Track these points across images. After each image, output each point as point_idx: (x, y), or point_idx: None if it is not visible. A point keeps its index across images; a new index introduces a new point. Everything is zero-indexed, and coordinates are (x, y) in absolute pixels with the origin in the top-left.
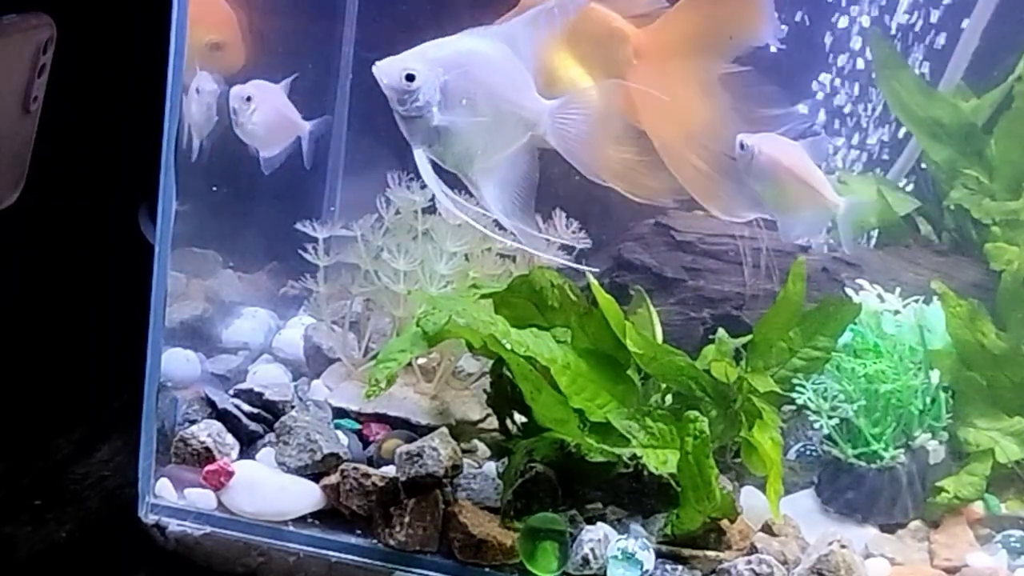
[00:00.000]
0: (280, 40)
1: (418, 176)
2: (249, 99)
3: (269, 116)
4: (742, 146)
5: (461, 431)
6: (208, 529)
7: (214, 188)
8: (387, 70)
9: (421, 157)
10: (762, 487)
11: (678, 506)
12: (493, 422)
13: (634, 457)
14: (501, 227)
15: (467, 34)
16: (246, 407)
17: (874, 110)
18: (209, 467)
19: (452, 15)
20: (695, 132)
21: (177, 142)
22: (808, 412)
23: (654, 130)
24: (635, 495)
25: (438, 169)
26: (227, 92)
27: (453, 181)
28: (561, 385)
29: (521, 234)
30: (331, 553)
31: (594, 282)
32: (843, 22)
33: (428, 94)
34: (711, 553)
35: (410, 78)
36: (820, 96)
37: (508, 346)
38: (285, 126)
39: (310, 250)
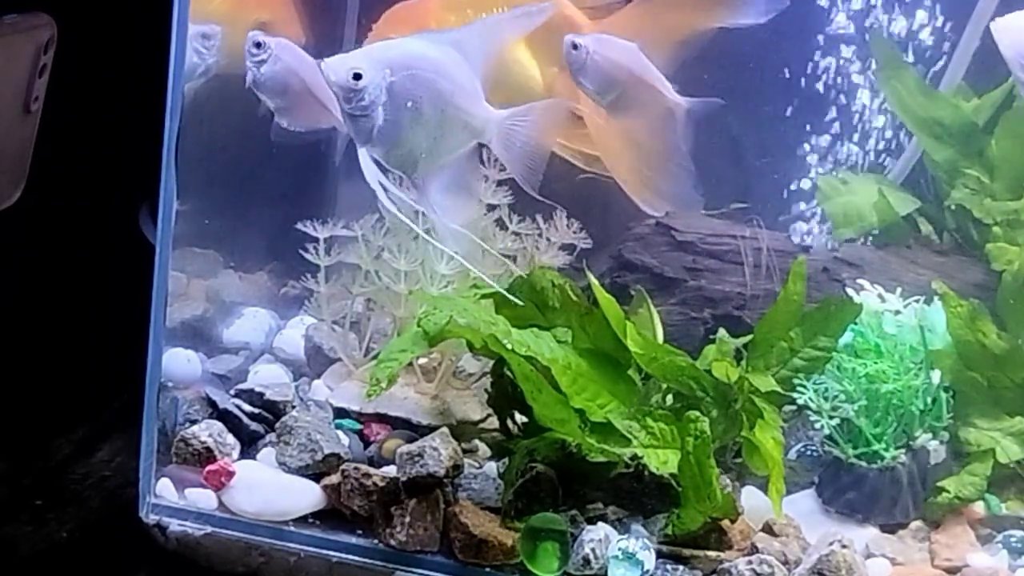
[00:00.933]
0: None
1: None
2: (259, 45)
3: (283, 76)
4: (574, 46)
5: (462, 431)
6: (209, 529)
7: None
8: (335, 68)
9: (364, 156)
10: (763, 487)
11: (679, 506)
12: (494, 422)
13: (635, 457)
14: (503, 227)
15: (418, 36)
16: (247, 407)
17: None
18: (210, 467)
19: None
20: (634, 127)
21: (178, 142)
22: (809, 412)
23: (593, 124)
24: (636, 495)
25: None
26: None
27: None
28: (562, 385)
29: (460, 238)
30: (332, 553)
31: (595, 282)
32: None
33: (374, 94)
34: (712, 553)
35: (357, 76)
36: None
37: (509, 346)
38: (308, 101)
39: (311, 250)
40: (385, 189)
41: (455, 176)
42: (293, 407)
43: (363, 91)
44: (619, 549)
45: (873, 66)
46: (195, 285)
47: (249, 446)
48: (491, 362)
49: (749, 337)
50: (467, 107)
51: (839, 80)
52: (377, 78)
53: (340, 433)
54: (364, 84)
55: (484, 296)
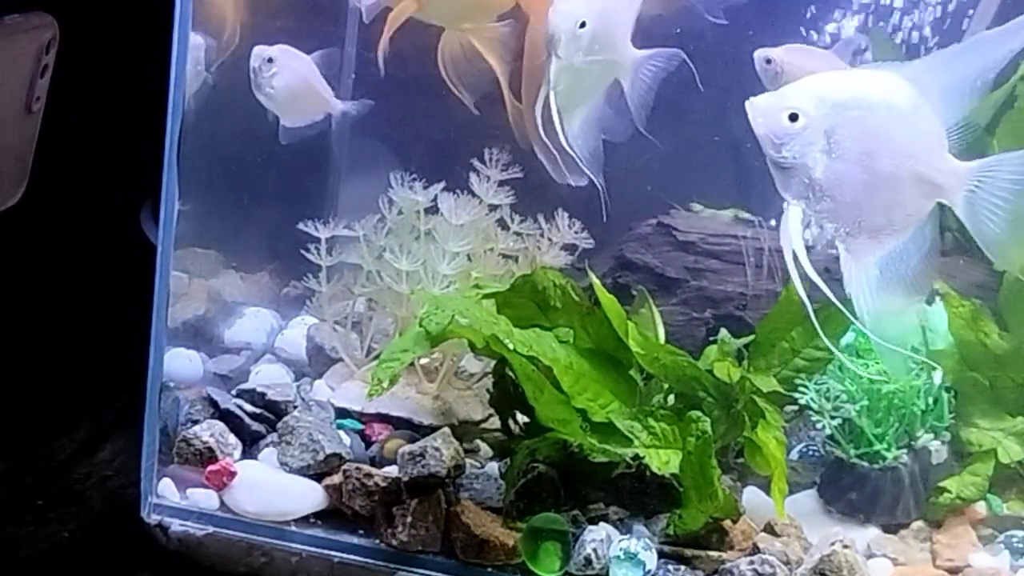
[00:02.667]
0: (283, 40)
1: (420, 176)
2: (271, 60)
3: (292, 83)
4: (767, 60)
5: (463, 431)
6: (210, 529)
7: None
8: (766, 109)
9: (795, 213)
10: (764, 487)
11: (681, 506)
12: (495, 422)
13: (636, 457)
14: (505, 227)
15: (866, 70)
16: (248, 407)
17: None
18: (211, 467)
19: None
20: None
21: (180, 142)
22: (810, 412)
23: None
24: (638, 495)
25: None
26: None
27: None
28: (563, 385)
29: (887, 353)
30: (333, 553)
31: (597, 282)
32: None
33: (811, 139)
34: (714, 553)
35: (793, 118)
36: None
37: (511, 346)
38: (311, 98)
39: (312, 250)
40: (797, 261)
41: (903, 250)
42: (295, 407)
43: (798, 135)
44: (621, 549)
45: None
46: (197, 285)
47: (251, 446)
48: (493, 362)
49: (751, 337)
50: (927, 159)
51: None
52: (817, 119)
53: (342, 433)
54: (801, 127)
55: (486, 296)
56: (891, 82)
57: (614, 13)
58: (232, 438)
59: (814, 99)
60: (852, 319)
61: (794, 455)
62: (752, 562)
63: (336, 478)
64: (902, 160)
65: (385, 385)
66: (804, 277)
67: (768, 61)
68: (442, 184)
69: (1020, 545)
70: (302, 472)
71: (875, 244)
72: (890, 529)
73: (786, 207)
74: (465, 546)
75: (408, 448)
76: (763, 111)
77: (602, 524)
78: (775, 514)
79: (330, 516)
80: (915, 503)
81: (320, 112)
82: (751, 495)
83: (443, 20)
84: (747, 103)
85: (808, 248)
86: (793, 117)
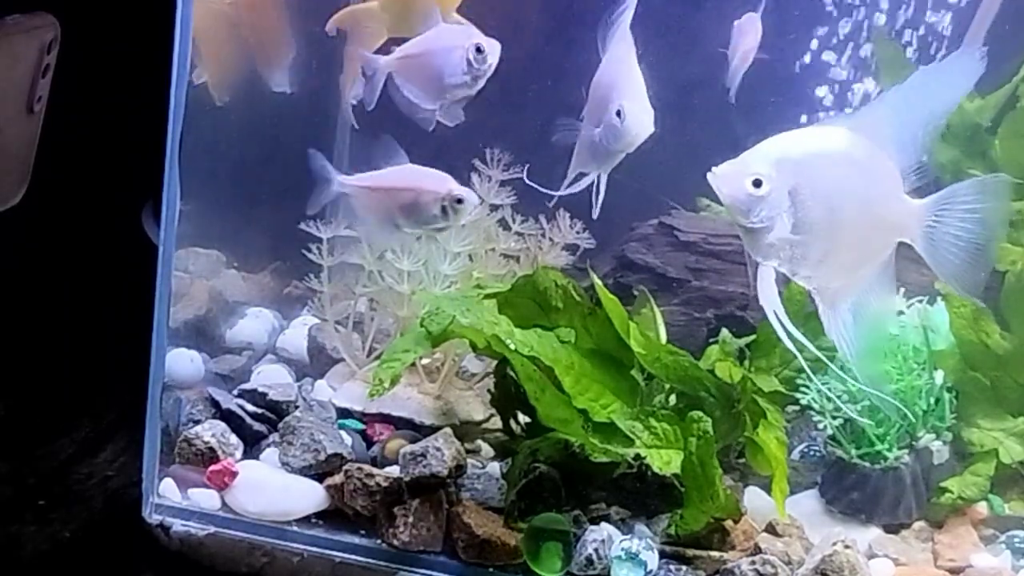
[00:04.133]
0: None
1: None
2: (480, 50)
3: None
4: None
5: (465, 431)
6: (212, 529)
7: None
8: (728, 178)
9: (767, 273)
10: (766, 487)
11: (682, 506)
12: (497, 422)
13: (638, 457)
14: (506, 228)
15: (819, 127)
16: (250, 407)
17: None
18: (213, 467)
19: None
20: None
21: (181, 141)
22: (812, 412)
23: None
24: (639, 495)
25: None
26: None
27: None
28: (565, 385)
29: (863, 367)
30: (335, 553)
31: (598, 282)
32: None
33: (776, 201)
34: (715, 553)
35: (757, 184)
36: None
37: (512, 346)
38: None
39: (314, 250)
40: (779, 319)
41: (869, 290)
42: (296, 407)
43: (764, 200)
44: (622, 549)
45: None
46: (198, 285)
47: (252, 446)
48: (494, 362)
49: (752, 337)
50: (886, 203)
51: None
52: (780, 182)
53: (343, 433)
54: (765, 191)
55: (487, 296)
56: (844, 136)
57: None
58: (233, 438)
59: (774, 162)
60: (835, 369)
61: (795, 455)
62: (753, 562)
63: (338, 478)
64: (863, 207)
65: (386, 385)
66: (789, 335)
67: None
68: None
69: (1022, 545)
70: (303, 472)
71: (845, 290)
72: (891, 529)
73: (759, 269)
74: (467, 546)
75: (410, 448)
76: (727, 180)
77: (603, 524)
78: (776, 514)
79: (331, 516)
80: (916, 503)
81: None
82: (752, 495)
83: (405, 31)
84: (709, 174)
85: None
86: (757, 183)
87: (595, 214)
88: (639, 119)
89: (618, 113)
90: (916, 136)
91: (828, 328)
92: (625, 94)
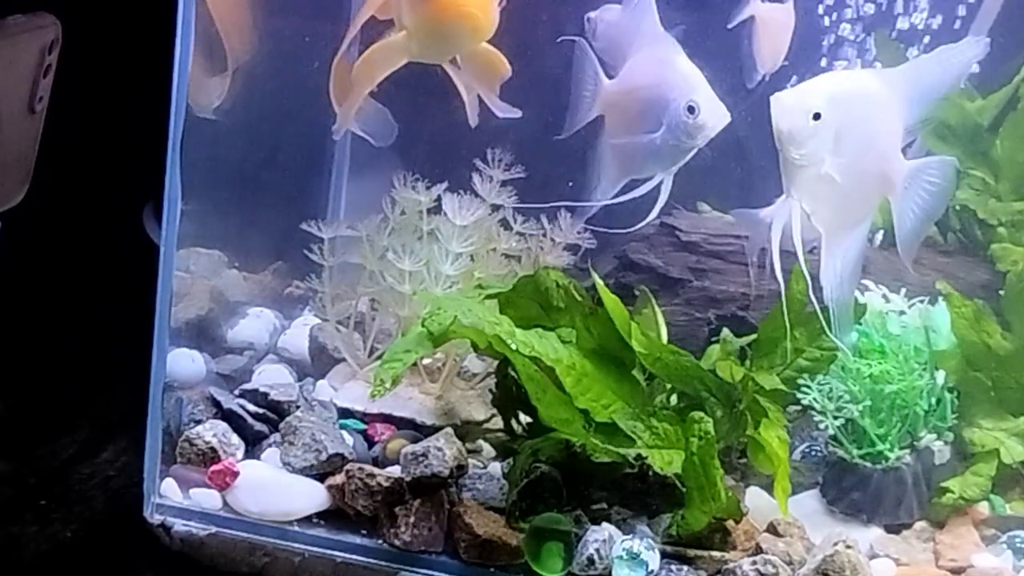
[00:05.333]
0: (285, 41)
1: (424, 176)
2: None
3: None
4: None
5: (466, 431)
6: (213, 529)
7: None
8: (790, 108)
9: (797, 210)
10: (767, 487)
11: (683, 506)
12: (498, 422)
13: (639, 457)
14: (508, 228)
15: (859, 72)
16: (251, 407)
17: None
18: (214, 467)
19: None
20: None
21: (182, 141)
22: (813, 412)
23: None
24: (640, 495)
25: None
26: None
27: None
28: (566, 385)
29: (842, 310)
30: (336, 553)
31: (599, 282)
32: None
33: (825, 138)
34: (716, 553)
35: (816, 117)
36: None
37: (513, 346)
38: None
39: (315, 250)
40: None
41: (850, 245)
42: (297, 407)
43: (817, 135)
44: (623, 549)
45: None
46: (199, 285)
47: (253, 446)
48: (495, 362)
49: (753, 337)
50: (891, 157)
51: None
52: (830, 120)
53: (344, 433)
54: (820, 127)
55: (489, 296)
56: (878, 86)
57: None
58: (235, 438)
59: (828, 98)
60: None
61: (797, 455)
62: (755, 562)
63: (339, 478)
64: (878, 157)
65: (388, 385)
66: (800, 275)
67: None
68: (445, 184)
69: (1023, 545)
70: (305, 472)
71: (843, 237)
72: (893, 529)
73: (787, 202)
74: (468, 546)
75: (411, 448)
76: (788, 110)
77: (605, 524)
78: (778, 514)
79: (333, 516)
80: (918, 503)
81: None
82: (754, 495)
83: (432, 56)
84: (772, 99)
85: (811, 249)
86: (816, 116)
87: (654, 216)
88: (714, 110)
89: (690, 109)
90: (919, 105)
91: (824, 270)
92: (690, 89)
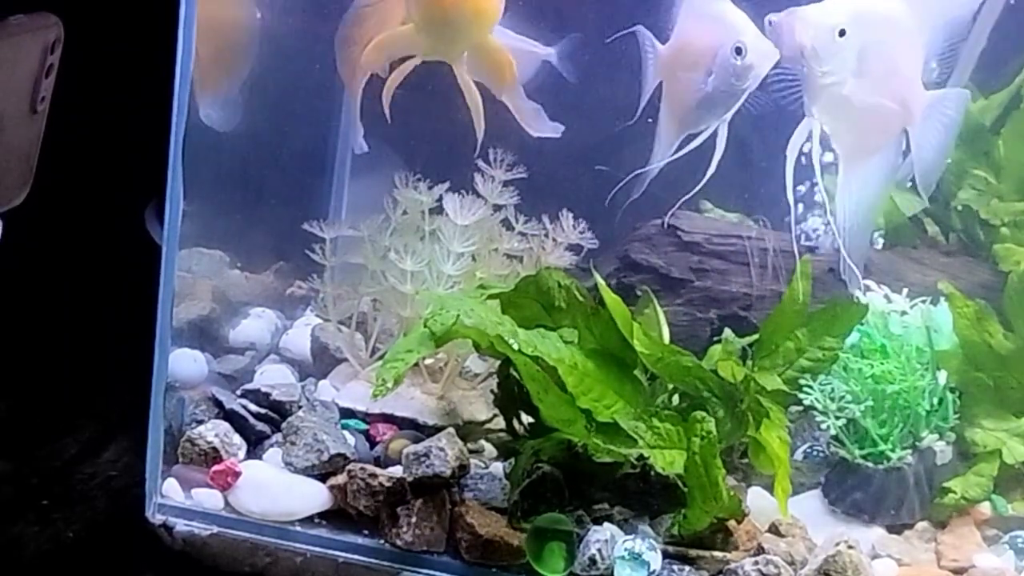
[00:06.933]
0: (287, 41)
1: (425, 176)
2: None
3: None
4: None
5: (468, 431)
6: (215, 529)
7: None
8: (817, 24)
9: (817, 129)
10: (769, 487)
11: (685, 506)
12: (500, 422)
13: (641, 458)
14: (510, 228)
15: None
16: (253, 407)
17: None
18: (216, 467)
19: None
20: None
21: (185, 141)
22: (815, 413)
23: None
24: (642, 495)
25: None
26: None
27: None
28: (568, 385)
29: (854, 251)
30: (338, 553)
31: (601, 282)
32: None
33: (849, 56)
34: (718, 554)
35: (842, 34)
36: None
37: (515, 346)
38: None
39: (317, 250)
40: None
41: (870, 174)
42: (299, 407)
43: (840, 52)
44: (625, 549)
45: None
46: (201, 285)
47: (255, 446)
48: (497, 362)
49: (755, 337)
50: (911, 85)
51: None
52: (855, 38)
53: (346, 433)
54: (845, 44)
55: (490, 296)
56: (905, 10)
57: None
58: (237, 438)
59: (853, 16)
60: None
61: (798, 455)
62: (756, 562)
63: (341, 478)
64: (899, 83)
65: (390, 385)
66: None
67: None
68: (447, 184)
69: None
70: (307, 472)
71: (861, 164)
72: (895, 529)
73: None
74: (470, 546)
75: (413, 448)
76: (814, 25)
77: (606, 524)
78: (780, 514)
79: (334, 516)
80: (920, 504)
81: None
82: (755, 495)
83: (440, 49)
84: (797, 16)
85: (812, 249)
86: (842, 33)
87: (712, 168)
88: (761, 50)
89: (737, 51)
90: (943, 34)
91: (839, 197)
92: (735, 31)
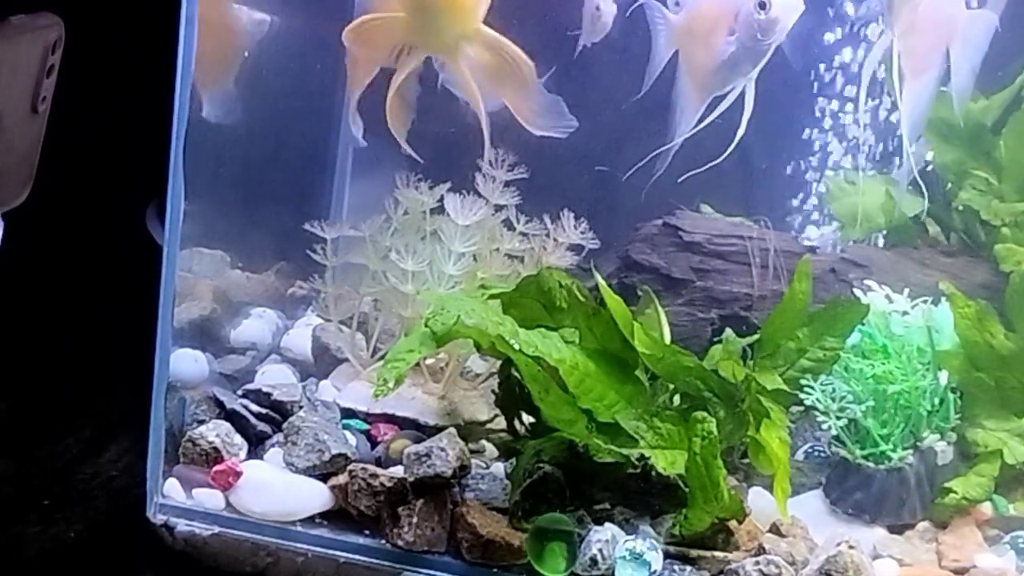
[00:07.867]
0: (290, 41)
1: (426, 177)
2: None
3: None
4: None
5: (469, 431)
6: (216, 529)
7: None
8: None
9: (897, 46)
10: (770, 487)
11: (686, 507)
12: (501, 422)
13: (642, 458)
14: (511, 228)
15: None
16: (254, 407)
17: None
18: (217, 467)
19: None
20: None
21: (186, 141)
22: (816, 413)
23: None
24: (643, 496)
25: None
26: None
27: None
28: (569, 385)
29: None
30: (339, 553)
31: (602, 282)
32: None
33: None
34: (719, 554)
35: None
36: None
37: (516, 346)
38: None
39: (318, 250)
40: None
41: (923, 88)
42: (300, 407)
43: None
44: (626, 549)
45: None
46: (202, 285)
47: (256, 446)
48: (498, 362)
49: (756, 337)
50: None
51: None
52: None
53: (347, 433)
54: None
55: (492, 296)
56: None
57: None
58: (238, 438)
59: None
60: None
61: (800, 455)
62: (758, 563)
63: (342, 478)
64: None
65: (391, 385)
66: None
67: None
68: (448, 184)
69: None
70: (308, 472)
71: (922, 77)
72: (896, 530)
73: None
74: (471, 546)
75: (414, 448)
76: None
77: (608, 524)
78: (780, 514)
79: (336, 516)
80: (921, 504)
81: None
82: (756, 495)
83: (428, 40)
84: None
85: (813, 249)
86: None
87: (742, 129)
88: (785, 2)
89: (761, 5)
90: None
91: (905, 99)
92: None
